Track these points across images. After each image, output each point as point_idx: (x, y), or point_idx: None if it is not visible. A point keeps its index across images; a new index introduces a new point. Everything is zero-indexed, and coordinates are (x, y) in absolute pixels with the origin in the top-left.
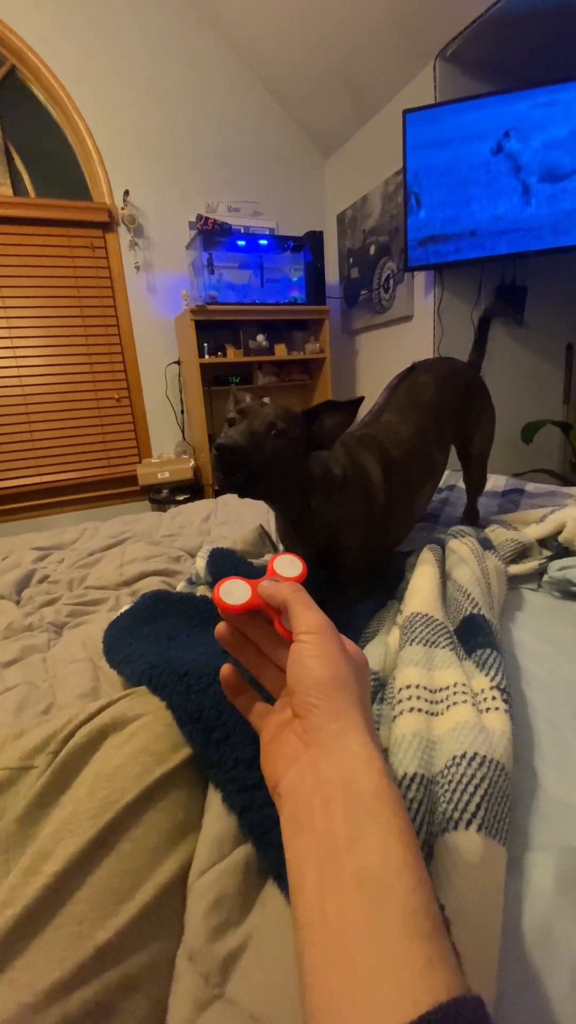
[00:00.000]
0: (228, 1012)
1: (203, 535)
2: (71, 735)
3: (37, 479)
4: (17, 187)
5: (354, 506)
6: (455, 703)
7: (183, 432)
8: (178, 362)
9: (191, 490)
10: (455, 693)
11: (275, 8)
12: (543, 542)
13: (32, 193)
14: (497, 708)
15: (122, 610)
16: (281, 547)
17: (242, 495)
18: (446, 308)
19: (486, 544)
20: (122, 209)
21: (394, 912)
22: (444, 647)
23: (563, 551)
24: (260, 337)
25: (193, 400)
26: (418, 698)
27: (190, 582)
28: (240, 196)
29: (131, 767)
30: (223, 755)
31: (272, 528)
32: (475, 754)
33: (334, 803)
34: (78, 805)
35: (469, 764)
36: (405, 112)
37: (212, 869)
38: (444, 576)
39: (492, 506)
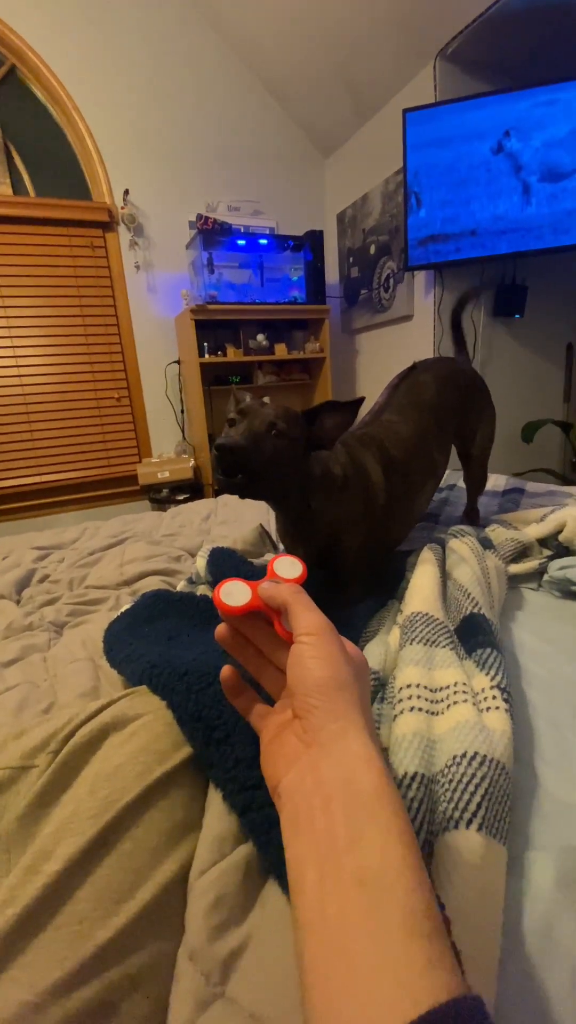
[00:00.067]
0: (229, 1011)
1: (203, 535)
2: (72, 734)
3: (37, 479)
4: (17, 187)
5: (354, 506)
6: (455, 702)
7: (183, 432)
8: (178, 361)
9: (191, 490)
10: (455, 692)
11: (275, 8)
12: (543, 541)
13: (32, 193)
14: (497, 707)
15: (122, 609)
16: (281, 547)
17: (242, 495)
18: (446, 307)
19: (486, 543)
20: (122, 209)
21: (394, 912)
22: (444, 646)
23: (563, 550)
24: (260, 336)
25: (193, 400)
26: (418, 697)
27: (190, 581)
28: (240, 196)
29: (132, 766)
30: (224, 754)
31: (272, 528)
32: (475, 753)
33: (334, 803)
34: (79, 804)
35: (469, 763)
36: (405, 111)
37: (213, 868)
38: (444, 575)
39: (492, 505)
